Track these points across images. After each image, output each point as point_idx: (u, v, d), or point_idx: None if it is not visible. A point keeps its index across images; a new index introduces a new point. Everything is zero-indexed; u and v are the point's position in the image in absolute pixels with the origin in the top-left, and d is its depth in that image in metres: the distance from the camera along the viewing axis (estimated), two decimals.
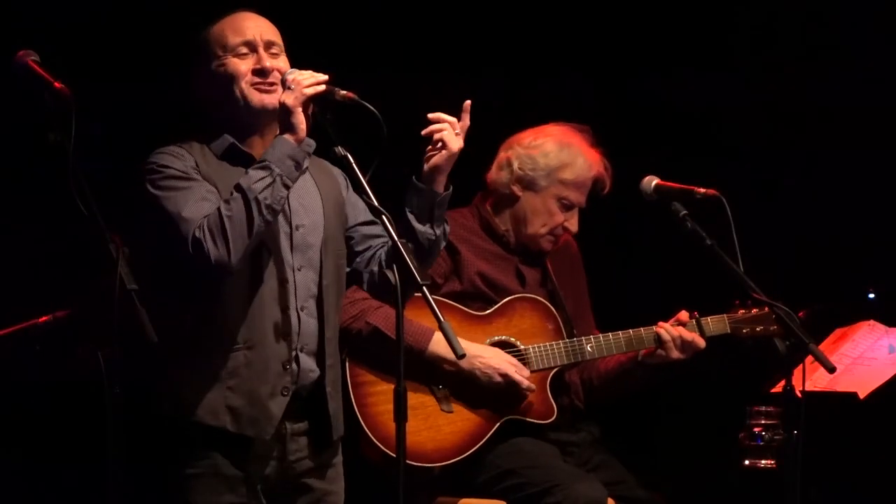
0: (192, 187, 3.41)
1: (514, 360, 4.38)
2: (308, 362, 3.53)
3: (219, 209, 3.36)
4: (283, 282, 3.50)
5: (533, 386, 4.39)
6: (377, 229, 3.65)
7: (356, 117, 3.37)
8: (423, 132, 3.52)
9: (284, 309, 3.49)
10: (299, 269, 3.52)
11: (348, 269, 3.68)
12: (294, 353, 3.50)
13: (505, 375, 4.34)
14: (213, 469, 3.45)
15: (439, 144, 3.51)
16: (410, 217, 3.54)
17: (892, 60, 5.33)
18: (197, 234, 3.33)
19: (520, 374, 4.36)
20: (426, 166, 3.52)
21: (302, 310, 3.52)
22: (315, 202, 3.59)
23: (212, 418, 3.44)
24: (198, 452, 3.45)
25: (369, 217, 3.64)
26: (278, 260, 3.50)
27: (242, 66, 3.50)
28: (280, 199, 3.40)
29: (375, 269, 3.64)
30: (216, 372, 3.44)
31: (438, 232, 3.58)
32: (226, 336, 3.45)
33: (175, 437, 3.47)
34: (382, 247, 3.66)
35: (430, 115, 3.53)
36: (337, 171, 3.69)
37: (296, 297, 3.51)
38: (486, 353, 4.36)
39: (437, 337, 4.26)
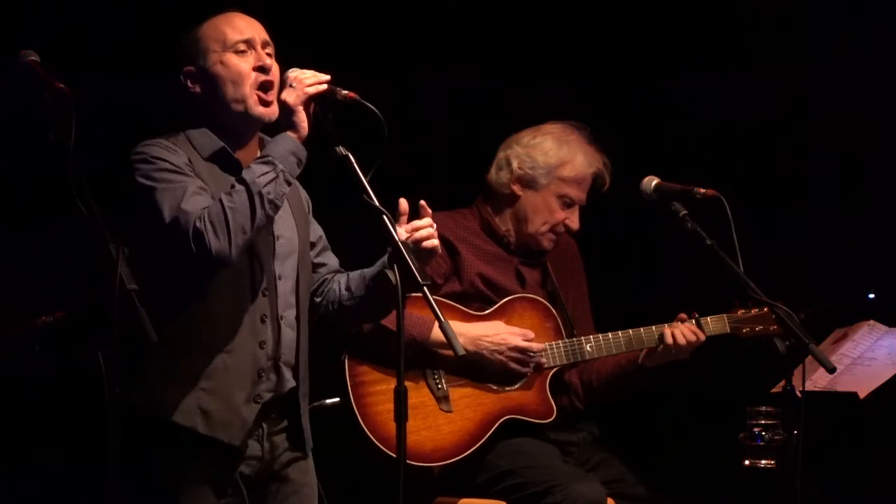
0: (187, 181, 3.40)
1: (517, 329, 4.38)
2: (285, 371, 3.53)
3: (220, 201, 3.35)
4: (265, 290, 3.50)
5: (543, 346, 4.39)
6: (325, 258, 3.70)
7: (357, 117, 3.37)
8: (419, 238, 3.48)
9: (265, 318, 3.49)
10: (280, 279, 3.53)
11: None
12: (272, 362, 3.51)
13: (514, 348, 4.34)
14: (197, 472, 3.44)
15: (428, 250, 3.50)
16: (375, 303, 3.60)
17: (892, 60, 5.33)
18: (198, 224, 3.32)
19: (527, 339, 4.36)
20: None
21: (281, 319, 3.52)
22: (288, 215, 3.59)
23: (184, 418, 3.42)
24: (182, 455, 3.44)
25: (321, 244, 3.71)
26: (262, 268, 3.49)
27: (244, 64, 3.49)
28: (282, 195, 3.40)
29: (332, 304, 3.67)
30: (193, 373, 3.44)
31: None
32: (207, 339, 3.45)
33: (156, 439, 3.44)
34: (332, 279, 3.69)
35: (423, 206, 3.51)
36: (302, 191, 3.70)
37: (276, 306, 3.51)
38: (488, 331, 4.36)
39: None
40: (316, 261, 3.70)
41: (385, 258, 3.54)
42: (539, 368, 4.41)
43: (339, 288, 3.67)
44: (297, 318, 3.55)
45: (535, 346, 4.37)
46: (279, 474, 3.57)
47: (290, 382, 3.54)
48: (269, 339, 3.49)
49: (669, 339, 4.41)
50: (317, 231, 3.73)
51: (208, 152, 3.51)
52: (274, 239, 3.52)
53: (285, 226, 3.56)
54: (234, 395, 3.46)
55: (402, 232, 3.46)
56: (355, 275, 3.67)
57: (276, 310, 3.51)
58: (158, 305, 3.37)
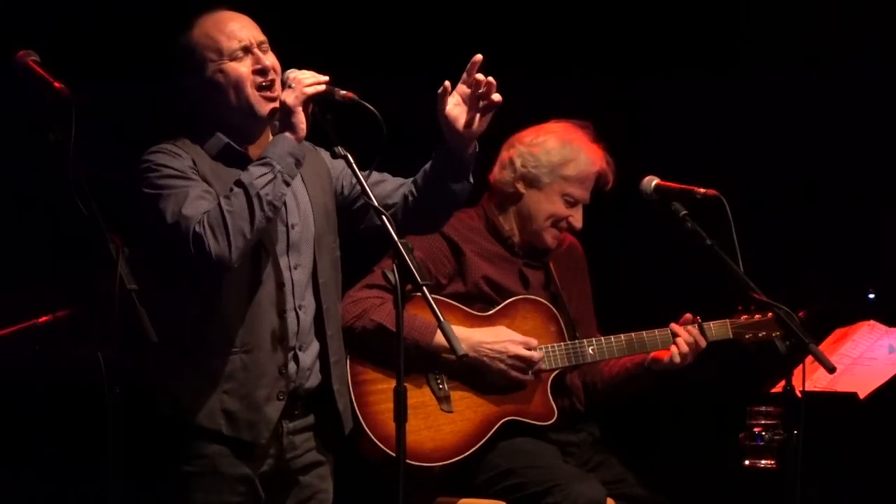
0: (189, 186, 3.41)
1: (520, 337, 4.37)
2: (306, 360, 3.54)
3: (219, 204, 3.36)
4: (280, 284, 3.50)
5: (542, 355, 4.39)
6: (382, 179, 3.66)
7: (356, 117, 3.37)
8: (481, 91, 3.49)
9: (282, 311, 3.50)
10: (295, 268, 3.53)
11: (361, 227, 3.68)
12: (291, 354, 3.51)
13: (515, 356, 4.34)
14: (211, 468, 3.47)
15: (483, 104, 3.49)
16: (449, 183, 3.57)
17: (892, 61, 5.33)
18: (197, 229, 3.33)
19: (528, 347, 4.35)
20: (471, 130, 3.50)
21: (300, 308, 3.53)
22: (303, 199, 3.59)
23: (208, 421, 3.46)
24: (196, 451, 3.47)
25: (356, 190, 3.66)
26: (274, 261, 3.50)
27: (242, 68, 3.48)
28: (281, 196, 3.41)
29: (410, 197, 3.63)
30: (213, 375, 3.46)
31: (471, 179, 3.62)
32: (224, 340, 3.46)
33: (173, 437, 3.48)
34: (400, 187, 3.66)
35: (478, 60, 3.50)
36: (318, 149, 3.68)
37: (293, 296, 3.52)
38: (488, 337, 4.35)
39: None
40: (361, 204, 3.65)
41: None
42: (538, 377, 4.41)
43: (411, 191, 3.65)
44: (319, 305, 3.56)
45: (535, 355, 4.36)
46: (297, 479, 3.59)
47: (311, 370, 3.55)
48: (289, 332, 3.51)
49: (677, 359, 4.41)
50: (347, 182, 3.67)
51: (214, 151, 3.52)
52: (287, 229, 3.53)
53: (300, 213, 3.56)
54: (256, 395, 3.48)
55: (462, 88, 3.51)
56: (419, 174, 3.66)
57: (293, 301, 3.51)
58: (172, 310, 3.42)
